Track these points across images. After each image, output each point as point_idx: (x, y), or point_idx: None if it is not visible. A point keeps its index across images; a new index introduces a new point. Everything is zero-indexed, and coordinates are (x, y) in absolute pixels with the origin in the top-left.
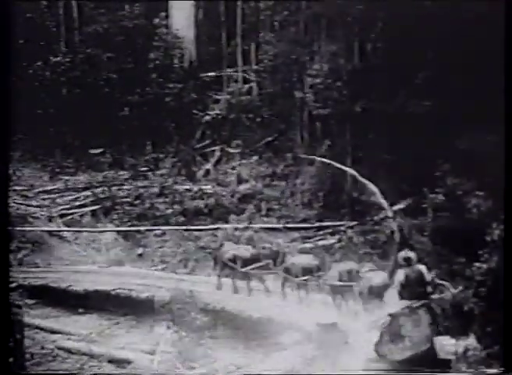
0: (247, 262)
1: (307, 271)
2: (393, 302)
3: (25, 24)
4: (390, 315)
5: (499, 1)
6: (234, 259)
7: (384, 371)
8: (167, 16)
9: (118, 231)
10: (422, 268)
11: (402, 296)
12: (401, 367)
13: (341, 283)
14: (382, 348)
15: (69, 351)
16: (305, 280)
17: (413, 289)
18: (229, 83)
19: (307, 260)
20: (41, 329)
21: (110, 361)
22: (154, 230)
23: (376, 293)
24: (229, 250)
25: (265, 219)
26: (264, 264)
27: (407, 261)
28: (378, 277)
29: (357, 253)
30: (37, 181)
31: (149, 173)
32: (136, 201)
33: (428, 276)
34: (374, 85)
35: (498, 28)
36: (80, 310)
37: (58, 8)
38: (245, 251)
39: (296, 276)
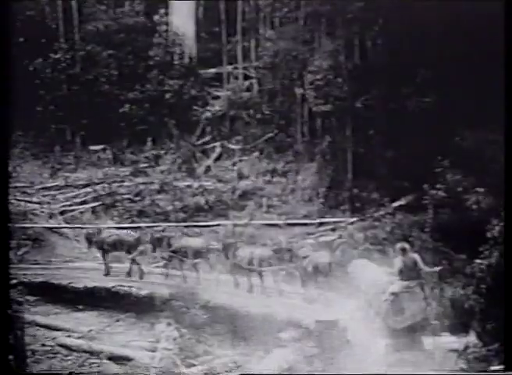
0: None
1: (198, 253)
2: None
3: (25, 22)
4: (393, 293)
5: (499, 1)
6: None
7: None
8: (167, 13)
9: (118, 228)
10: (415, 256)
11: (401, 278)
12: (402, 334)
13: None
14: (388, 320)
15: (69, 348)
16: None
17: (409, 272)
18: (229, 79)
19: (197, 243)
20: (42, 326)
21: (110, 358)
22: (155, 226)
23: (323, 271)
24: None
25: (266, 215)
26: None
27: (403, 250)
28: (324, 257)
29: (357, 249)
30: (38, 178)
31: (149, 170)
32: (137, 198)
33: (421, 262)
34: (374, 82)
35: (498, 28)
36: (80, 307)
37: (57, 6)
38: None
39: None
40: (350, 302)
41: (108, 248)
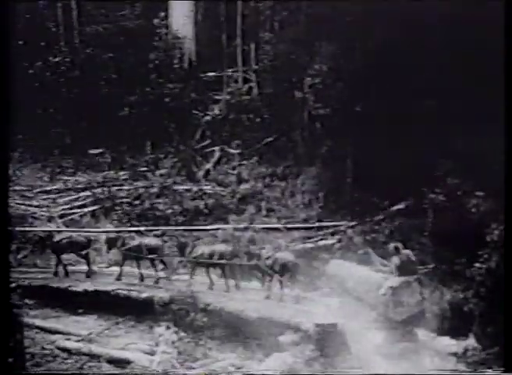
0: None
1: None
2: None
3: (25, 25)
4: (391, 287)
5: (499, 1)
6: None
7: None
8: (167, 17)
9: (117, 232)
10: (409, 252)
11: (399, 274)
12: (401, 326)
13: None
14: (388, 312)
15: (68, 351)
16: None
17: (406, 268)
18: (229, 83)
19: (152, 241)
20: (41, 329)
21: (109, 361)
22: (154, 230)
23: (291, 269)
24: None
25: (266, 219)
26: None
27: (396, 249)
28: (289, 256)
29: (356, 253)
30: (37, 181)
31: (149, 174)
32: (136, 202)
33: (413, 257)
34: (374, 85)
35: (498, 28)
36: (80, 310)
37: (57, 9)
38: None
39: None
40: (334, 300)
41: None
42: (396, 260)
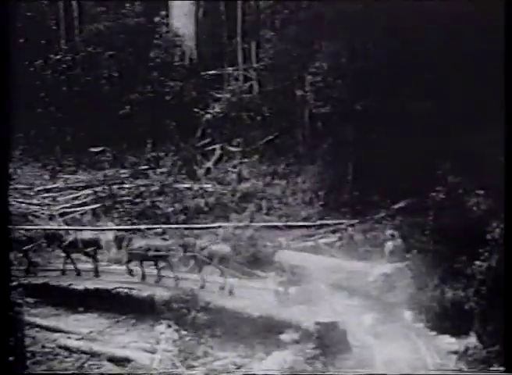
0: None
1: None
2: None
3: (25, 23)
4: (384, 274)
5: (499, 1)
6: None
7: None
8: (167, 15)
9: (118, 230)
10: (401, 242)
11: (392, 260)
12: (393, 308)
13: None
14: (383, 295)
15: (69, 349)
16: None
17: (397, 255)
18: (230, 81)
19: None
20: (42, 328)
21: (110, 360)
22: (155, 228)
23: (227, 260)
24: None
25: (266, 217)
26: None
27: (392, 236)
28: (226, 247)
29: (357, 251)
30: (38, 180)
31: (150, 172)
32: (137, 200)
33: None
34: (374, 84)
35: (498, 28)
36: (81, 309)
37: (58, 7)
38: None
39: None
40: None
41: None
42: (390, 246)
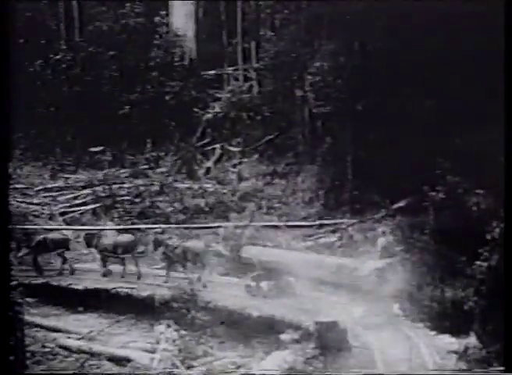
0: None
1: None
2: None
3: (25, 23)
4: (377, 269)
5: (499, 1)
6: None
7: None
8: (167, 15)
9: (118, 229)
10: (391, 237)
11: (384, 256)
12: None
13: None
14: (377, 289)
15: (69, 349)
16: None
17: (389, 251)
18: (230, 81)
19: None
20: (42, 327)
21: (110, 359)
22: (155, 228)
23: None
24: None
25: (266, 217)
26: None
27: (383, 233)
28: (199, 244)
29: (357, 250)
30: (38, 179)
31: (149, 171)
32: (137, 200)
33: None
34: (374, 84)
35: (498, 28)
36: (80, 309)
37: (58, 7)
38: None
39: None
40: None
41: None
42: (382, 242)
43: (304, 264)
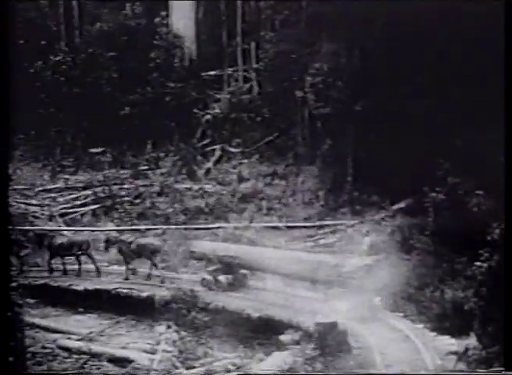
0: None
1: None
2: None
3: (25, 24)
4: (366, 265)
5: (499, 1)
6: None
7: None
8: (168, 16)
9: (118, 230)
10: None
11: (368, 254)
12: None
13: None
14: (364, 283)
15: (69, 350)
16: None
17: (374, 248)
18: (230, 82)
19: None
20: (42, 328)
21: (110, 360)
22: (155, 229)
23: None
24: None
25: (266, 218)
26: None
27: (367, 232)
28: (154, 240)
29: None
30: (38, 180)
31: (149, 172)
32: (137, 200)
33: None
34: (374, 84)
35: (498, 28)
36: (81, 309)
37: (58, 8)
38: None
39: None
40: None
41: None
42: (367, 240)
43: (280, 260)
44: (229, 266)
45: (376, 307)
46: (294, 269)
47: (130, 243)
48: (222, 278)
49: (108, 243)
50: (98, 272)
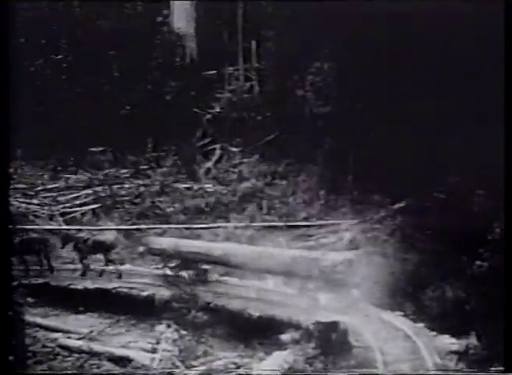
0: None
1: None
2: None
3: (26, 23)
4: (347, 259)
5: (499, 1)
6: None
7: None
8: (168, 14)
9: (118, 230)
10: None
11: (349, 248)
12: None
13: None
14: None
15: (69, 349)
16: None
17: (355, 243)
18: (231, 81)
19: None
20: (42, 327)
21: (110, 359)
22: (155, 228)
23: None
24: None
25: (266, 217)
26: None
27: (347, 229)
28: (110, 238)
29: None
30: (38, 179)
31: (150, 172)
32: (137, 200)
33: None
34: (375, 83)
35: (498, 28)
36: (81, 309)
37: (59, 7)
38: None
39: None
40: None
41: None
42: (347, 236)
43: (254, 256)
44: (190, 261)
45: (355, 300)
46: (267, 264)
47: (87, 240)
48: (184, 273)
49: (65, 240)
50: (51, 269)
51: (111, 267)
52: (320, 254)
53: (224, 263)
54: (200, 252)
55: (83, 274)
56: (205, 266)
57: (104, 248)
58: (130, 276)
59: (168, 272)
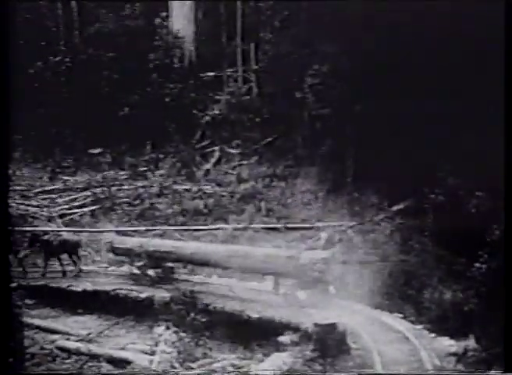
0: None
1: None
2: None
3: (25, 24)
4: (323, 258)
5: (499, 1)
6: None
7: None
8: (167, 16)
9: (117, 231)
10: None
11: (325, 248)
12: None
13: None
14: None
15: (68, 351)
16: None
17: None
18: (229, 83)
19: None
20: (41, 329)
21: (109, 361)
22: (154, 230)
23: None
24: None
25: (265, 219)
26: None
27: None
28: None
29: (356, 253)
30: (37, 181)
31: (149, 173)
32: (136, 202)
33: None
34: (374, 85)
35: (498, 28)
36: (80, 310)
37: (57, 9)
38: None
39: None
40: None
41: None
42: (325, 235)
43: (228, 255)
44: (156, 260)
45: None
46: (240, 263)
47: (53, 239)
48: (150, 272)
49: (33, 239)
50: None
51: (72, 267)
52: (296, 252)
53: (195, 262)
54: (170, 251)
55: (44, 275)
56: (170, 264)
57: (70, 247)
58: (96, 275)
59: (135, 271)
